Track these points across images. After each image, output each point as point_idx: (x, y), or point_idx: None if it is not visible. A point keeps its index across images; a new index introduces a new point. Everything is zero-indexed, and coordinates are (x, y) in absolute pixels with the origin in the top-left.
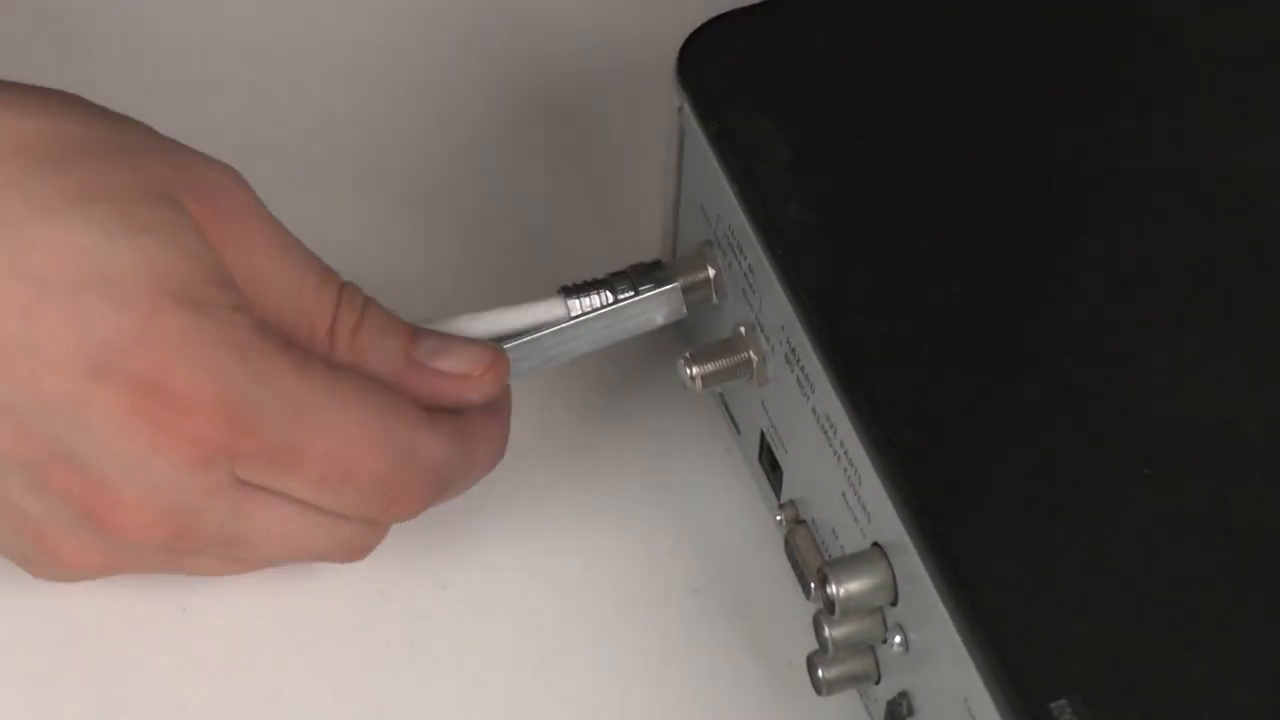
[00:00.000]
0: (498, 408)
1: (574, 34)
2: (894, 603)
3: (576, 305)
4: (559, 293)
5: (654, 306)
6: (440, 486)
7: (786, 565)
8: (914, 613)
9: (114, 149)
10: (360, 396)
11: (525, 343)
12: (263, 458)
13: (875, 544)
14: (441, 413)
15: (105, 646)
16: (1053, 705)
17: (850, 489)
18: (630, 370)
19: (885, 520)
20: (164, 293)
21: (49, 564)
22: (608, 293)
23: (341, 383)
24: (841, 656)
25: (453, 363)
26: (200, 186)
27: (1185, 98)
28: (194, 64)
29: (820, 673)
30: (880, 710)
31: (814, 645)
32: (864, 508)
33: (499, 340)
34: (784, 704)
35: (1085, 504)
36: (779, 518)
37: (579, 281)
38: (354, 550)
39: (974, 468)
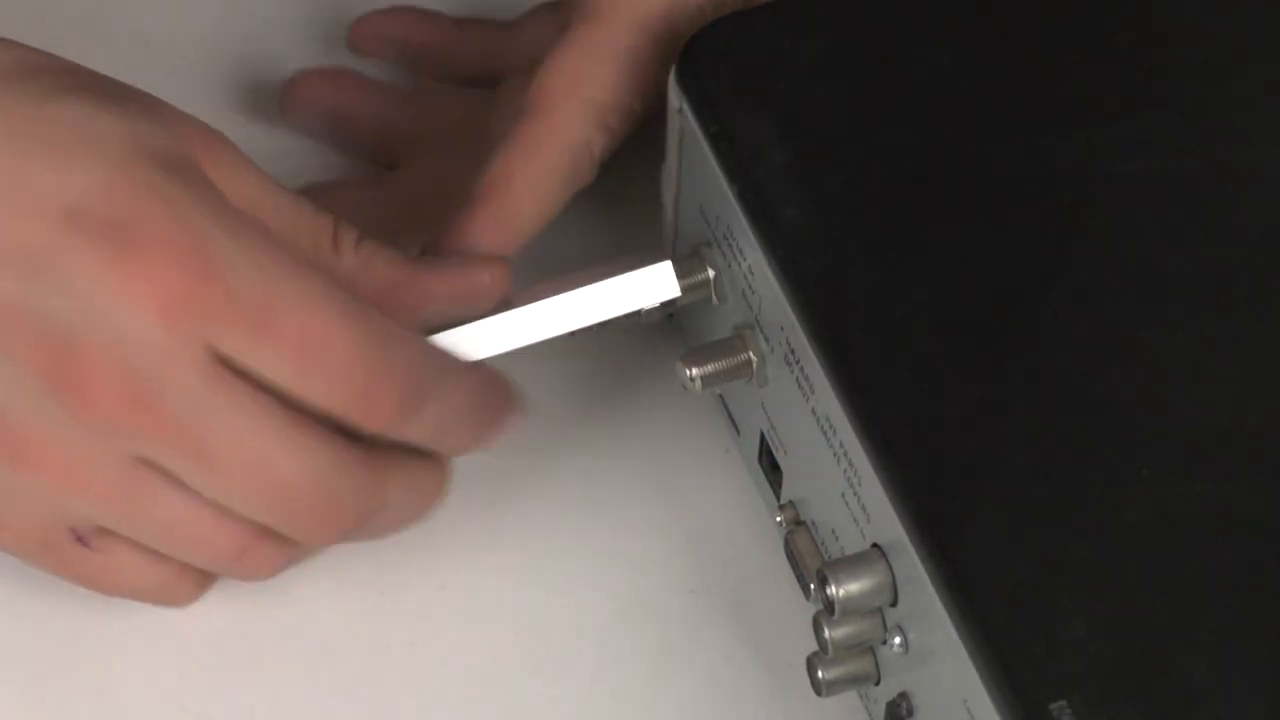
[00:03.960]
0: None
1: None
2: (893, 603)
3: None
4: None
5: (644, 283)
6: (417, 392)
7: (786, 566)
8: (914, 613)
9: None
10: (330, 283)
11: (513, 314)
12: (229, 312)
13: (875, 545)
14: None
15: (105, 646)
16: (1052, 706)
17: (850, 490)
18: (629, 371)
19: (885, 521)
20: (139, 153)
21: (8, 474)
22: None
23: (314, 269)
24: (841, 657)
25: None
26: (192, 135)
27: (1187, 97)
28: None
29: (820, 674)
30: (880, 711)
31: (814, 646)
32: (864, 508)
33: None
34: (784, 705)
35: (1085, 504)
36: (779, 519)
37: None
38: (259, 559)
39: (974, 468)
